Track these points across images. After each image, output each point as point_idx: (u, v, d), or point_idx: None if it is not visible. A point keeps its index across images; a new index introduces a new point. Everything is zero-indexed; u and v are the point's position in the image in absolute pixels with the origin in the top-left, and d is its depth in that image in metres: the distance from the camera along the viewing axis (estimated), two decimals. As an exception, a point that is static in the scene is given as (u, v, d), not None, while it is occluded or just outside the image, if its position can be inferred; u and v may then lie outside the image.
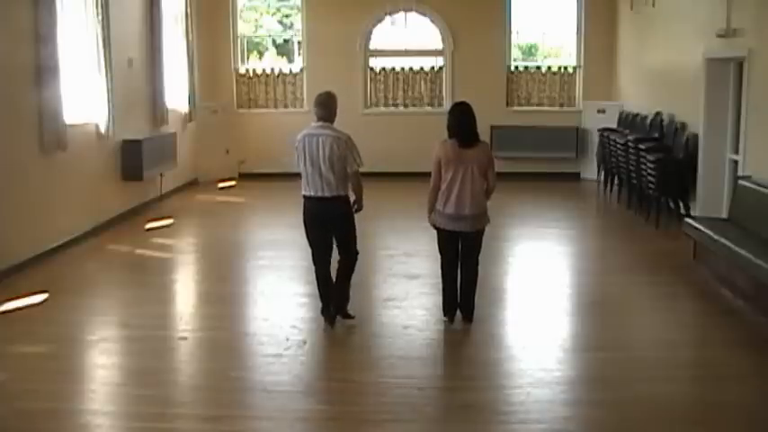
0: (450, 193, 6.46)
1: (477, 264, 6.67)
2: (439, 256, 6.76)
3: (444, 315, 6.76)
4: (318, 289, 6.73)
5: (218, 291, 8.02)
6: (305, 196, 6.55)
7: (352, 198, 6.63)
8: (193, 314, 7.53)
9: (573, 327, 7.04)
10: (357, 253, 6.70)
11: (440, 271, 6.75)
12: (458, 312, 6.76)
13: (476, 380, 5.75)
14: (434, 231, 6.73)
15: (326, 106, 6.51)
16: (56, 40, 8.76)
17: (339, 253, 6.71)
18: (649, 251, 9.37)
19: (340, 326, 6.70)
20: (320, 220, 6.53)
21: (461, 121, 6.50)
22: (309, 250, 6.69)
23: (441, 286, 6.79)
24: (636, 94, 13.46)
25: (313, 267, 6.72)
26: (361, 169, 6.50)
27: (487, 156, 6.57)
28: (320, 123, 6.48)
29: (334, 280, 6.69)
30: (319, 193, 6.44)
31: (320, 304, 6.76)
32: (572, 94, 15.14)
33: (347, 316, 6.71)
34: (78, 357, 6.25)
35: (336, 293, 6.66)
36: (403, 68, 15.26)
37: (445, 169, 6.46)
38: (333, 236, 6.63)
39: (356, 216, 6.70)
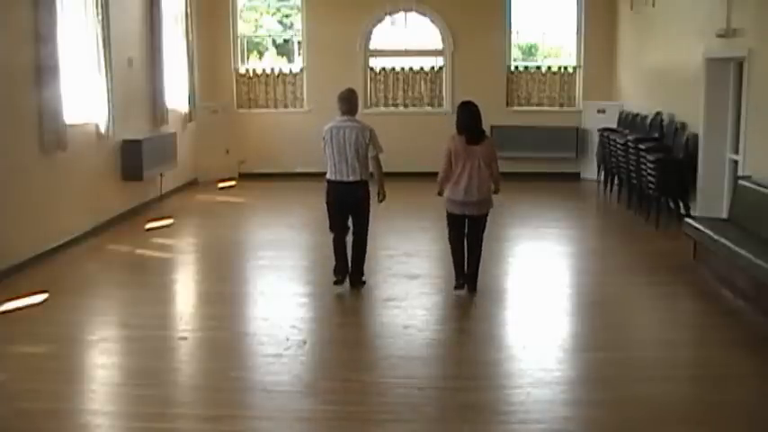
0: (460, 182, 7.20)
1: (481, 242, 7.42)
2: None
3: (455, 286, 7.40)
4: (334, 252, 7.60)
5: (218, 291, 8.02)
6: (330, 180, 7.43)
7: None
8: (193, 314, 7.53)
9: (573, 327, 7.04)
10: (366, 230, 7.62)
11: (449, 247, 7.51)
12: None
13: (476, 380, 5.75)
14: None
15: (349, 101, 7.40)
16: (56, 40, 8.76)
17: (354, 232, 7.60)
18: (649, 251, 9.37)
19: (340, 326, 6.70)
20: (342, 201, 7.44)
21: (468, 122, 7.23)
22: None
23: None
24: (636, 94, 13.46)
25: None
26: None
27: (491, 150, 7.30)
28: (345, 117, 7.38)
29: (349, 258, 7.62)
30: (344, 178, 7.35)
31: (333, 271, 7.61)
32: (572, 94, 15.14)
33: (362, 282, 7.60)
34: (78, 357, 6.25)
35: (354, 265, 7.58)
36: (403, 68, 15.27)
37: (455, 161, 7.20)
38: (350, 215, 7.51)
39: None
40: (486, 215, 7.41)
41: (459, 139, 7.21)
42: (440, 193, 7.44)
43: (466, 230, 7.41)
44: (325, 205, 7.60)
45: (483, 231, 7.44)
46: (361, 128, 7.35)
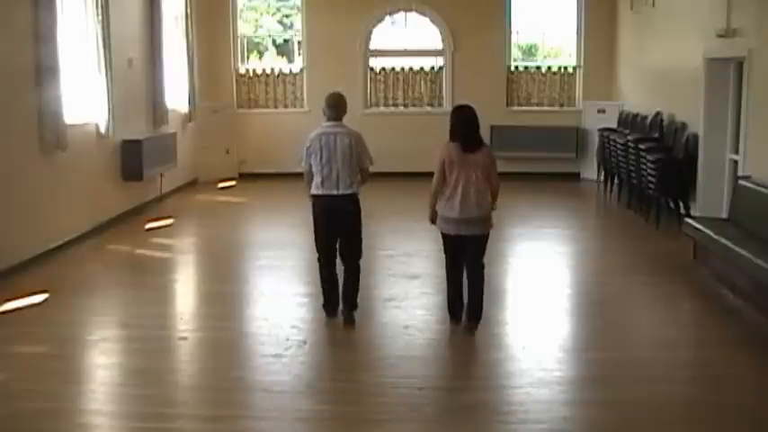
0: (455, 196, 6.34)
1: (483, 268, 6.56)
2: (443, 260, 6.71)
3: (451, 317, 6.71)
4: (322, 286, 6.87)
5: (218, 291, 8.02)
6: (317, 195, 6.62)
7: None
8: (193, 314, 7.53)
9: (573, 327, 7.04)
10: (360, 257, 6.80)
11: (445, 274, 6.72)
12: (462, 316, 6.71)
13: (476, 380, 5.76)
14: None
15: (338, 106, 6.64)
16: (56, 40, 8.76)
17: (344, 260, 6.77)
18: (649, 251, 9.37)
19: (340, 326, 6.70)
20: (333, 218, 6.61)
21: (464, 128, 6.40)
22: (311, 247, 6.81)
23: (445, 289, 6.75)
24: (636, 94, 13.46)
25: (317, 265, 6.88)
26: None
27: (490, 159, 6.45)
28: (333, 122, 6.61)
29: (341, 284, 6.83)
30: (334, 191, 6.54)
31: (321, 300, 6.92)
32: (572, 94, 15.14)
33: (351, 321, 6.73)
34: (78, 357, 6.25)
35: (346, 297, 6.75)
36: (403, 68, 15.27)
37: (449, 171, 6.35)
38: (340, 236, 6.71)
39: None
40: (488, 236, 6.53)
41: (453, 146, 6.36)
42: (432, 220, 6.58)
43: (464, 255, 6.54)
44: (313, 226, 6.77)
45: (483, 255, 6.55)
46: (352, 134, 6.60)
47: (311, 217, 6.75)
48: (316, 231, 6.75)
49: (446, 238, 6.55)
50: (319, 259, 6.83)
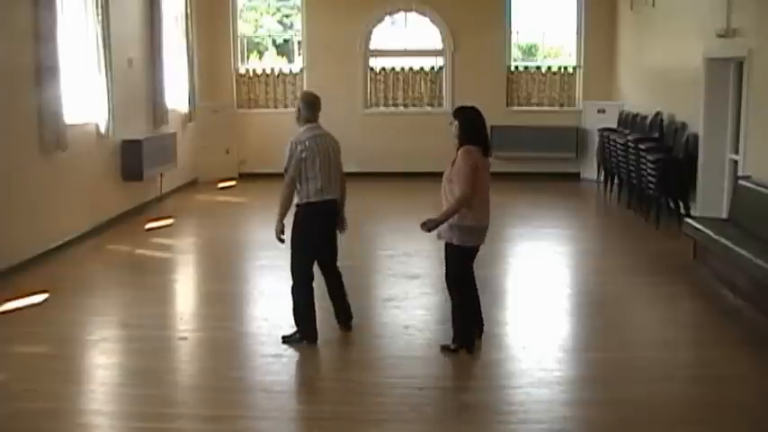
0: (483, 204, 5.95)
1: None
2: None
3: (469, 350, 6.08)
4: (306, 310, 6.35)
5: (218, 291, 8.02)
6: (316, 202, 6.21)
7: None
8: (193, 314, 7.53)
9: (573, 327, 7.04)
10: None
11: (463, 299, 6.11)
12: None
13: (476, 380, 5.76)
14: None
15: (317, 106, 6.32)
16: (56, 40, 8.76)
17: (328, 270, 6.50)
18: (649, 251, 9.37)
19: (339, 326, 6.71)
20: (328, 223, 6.35)
21: (483, 130, 6.05)
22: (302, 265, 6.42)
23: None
24: (636, 94, 13.46)
25: (302, 288, 6.41)
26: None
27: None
28: (315, 124, 6.30)
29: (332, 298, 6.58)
30: (332, 196, 6.27)
31: (297, 330, 6.37)
32: (572, 94, 15.14)
33: (349, 329, 6.59)
34: (78, 357, 6.25)
35: (342, 314, 6.55)
36: (403, 68, 15.27)
37: (478, 178, 5.88)
38: (327, 244, 6.43)
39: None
40: None
41: (476, 151, 5.89)
42: (430, 228, 5.92)
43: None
44: (301, 240, 6.28)
45: None
46: (334, 137, 6.36)
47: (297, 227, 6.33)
48: (311, 244, 6.31)
49: (469, 252, 6.03)
50: (307, 277, 6.37)
